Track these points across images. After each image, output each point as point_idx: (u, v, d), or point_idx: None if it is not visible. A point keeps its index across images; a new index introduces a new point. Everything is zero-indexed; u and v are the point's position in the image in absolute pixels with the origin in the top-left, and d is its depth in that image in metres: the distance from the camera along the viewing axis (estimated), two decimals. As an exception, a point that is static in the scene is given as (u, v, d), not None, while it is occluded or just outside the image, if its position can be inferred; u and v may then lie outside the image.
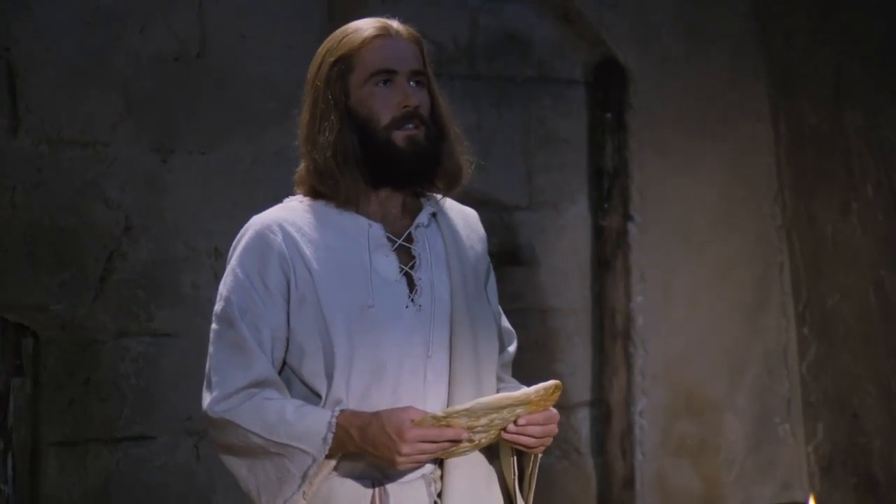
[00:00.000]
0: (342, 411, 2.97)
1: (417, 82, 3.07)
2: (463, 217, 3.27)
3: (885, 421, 5.13)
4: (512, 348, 3.30)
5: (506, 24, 5.26)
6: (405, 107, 3.04)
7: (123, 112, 4.72)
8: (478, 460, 3.08)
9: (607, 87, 5.34)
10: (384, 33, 3.07)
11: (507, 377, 3.25)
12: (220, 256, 4.63)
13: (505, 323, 3.31)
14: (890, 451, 5.13)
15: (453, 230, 3.20)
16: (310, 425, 2.98)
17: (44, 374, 4.63)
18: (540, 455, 3.12)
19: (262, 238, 3.11)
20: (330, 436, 2.96)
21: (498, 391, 3.13)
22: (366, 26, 3.10)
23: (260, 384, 3.04)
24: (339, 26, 4.33)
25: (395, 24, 3.12)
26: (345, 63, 3.07)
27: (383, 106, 3.05)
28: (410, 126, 3.05)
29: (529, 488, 3.16)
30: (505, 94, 5.23)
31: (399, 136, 3.05)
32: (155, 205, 4.75)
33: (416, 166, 3.08)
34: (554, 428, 3.01)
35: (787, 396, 5.45)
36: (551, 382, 2.96)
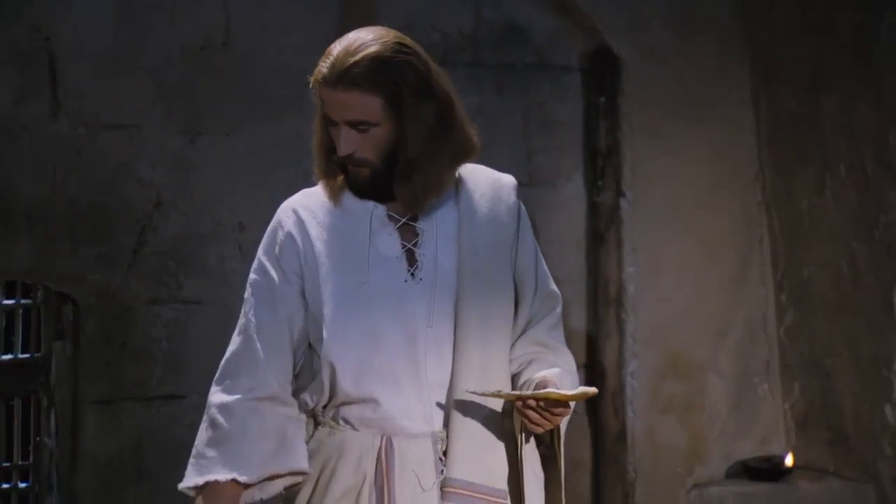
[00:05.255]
0: (213, 489, 3.05)
1: (356, 128, 3.02)
2: (494, 187, 3.23)
3: (855, 381, 5.10)
4: (558, 310, 3.23)
5: (507, 15, 5.25)
6: (339, 154, 3.05)
7: (154, 97, 4.77)
8: (485, 423, 3.08)
9: (601, 73, 5.31)
10: (327, 83, 2.99)
11: (552, 342, 3.20)
12: (244, 230, 4.72)
13: (550, 286, 3.25)
14: (859, 409, 5.10)
15: (472, 204, 3.18)
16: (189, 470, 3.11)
17: (83, 338, 4.68)
18: (564, 429, 3.10)
19: (278, 223, 3.17)
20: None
21: (531, 362, 3.14)
22: (326, 63, 3.00)
23: (250, 394, 3.10)
24: (352, 19, 4.39)
25: (348, 60, 2.99)
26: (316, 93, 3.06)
27: (335, 143, 3.06)
28: (353, 166, 3.06)
29: (559, 449, 3.12)
30: (506, 81, 5.23)
31: (350, 170, 3.08)
32: (183, 183, 4.80)
33: (368, 195, 3.10)
34: (560, 420, 3.00)
35: (766, 359, 5.44)
36: (591, 390, 2.94)
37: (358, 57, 2.97)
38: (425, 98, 3.04)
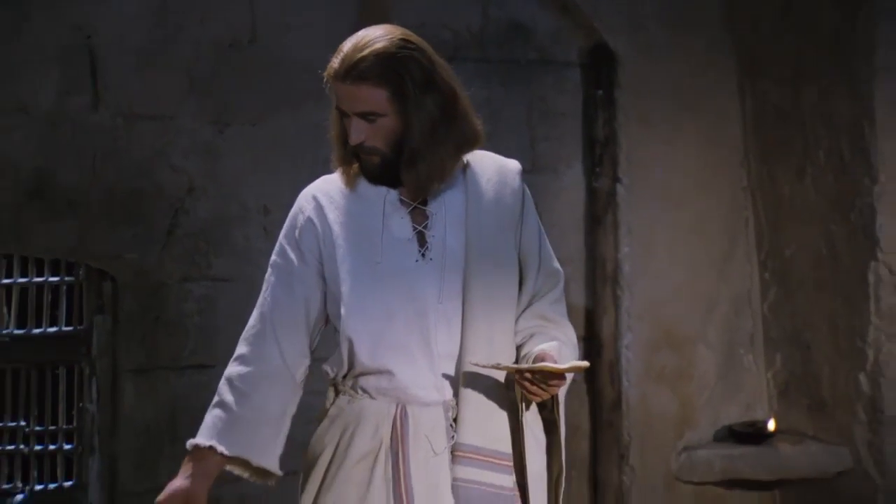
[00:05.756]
0: (197, 451, 3.07)
1: (365, 118, 3.03)
2: (500, 172, 3.23)
3: (832, 352, 5.11)
4: (560, 286, 3.24)
5: (512, 14, 5.23)
6: (351, 143, 3.06)
7: (186, 91, 4.77)
8: (491, 394, 3.09)
9: (599, 68, 5.28)
10: (338, 77, 3.00)
11: (554, 316, 3.21)
12: (268, 213, 4.73)
13: (553, 264, 3.26)
14: (836, 377, 5.11)
15: (479, 188, 3.19)
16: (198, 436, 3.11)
17: (121, 312, 4.67)
18: (563, 397, 3.12)
19: (299, 208, 3.19)
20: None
21: (533, 335, 3.16)
22: (338, 58, 3.02)
23: (254, 370, 3.12)
24: (368, 18, 4.38)
25: (356, 56, 2.99)
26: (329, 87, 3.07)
27: (348, 133, 3.08)
28: (364, 154, 3.07)
29: (559, 416, 3.14)
30: (511, 75, 5.21)
31: (362, 158, 3.09)
32: (213, 169, 4.80)
33: (380, 181, 3.11)
34: (556, 390, 3.01)
35: (750, 332, 5.44)
36: (583, 364, 2.96)
37: (365, 52, 2.98)
38: (428, 90, 3.04)
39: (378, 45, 3.00)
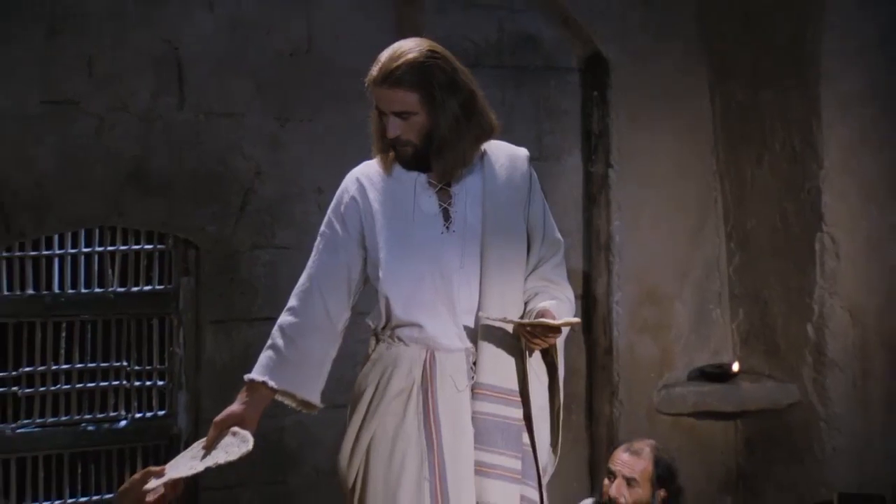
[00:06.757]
0: (251, 384, 3.08)
1: (400, 116, 3.04)
2: (511, 158, 3.21)
3: (784, 307, 5.11)
4: (561, 253, 3.24)
5: (522, 28, 5.17)
6: (388, 137, 3.08)
7: (254, 92, 4.72)
8: (503, 342, 3.10)
9: (595, 73, 5.25)
10: (376, 83, 3.03)
11: (556, 278, 3.20)
12: (321, 193, 4.66)
13: (555, 235, 3.25)
14: (788, 328, 5.10)
15: (494, 172, 3.17)
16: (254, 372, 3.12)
17: (202, 274, 4.65)
18: (561, 346, 3.14)
19: (344, 188, 3.21)
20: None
21: (537, 294, 3.15)
22: (377, 67, 3.03)
23: (301, 320, 3.13)
24: (405, 31, 4.38)
25: (392, 65, 3.00)
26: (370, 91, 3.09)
27: (385, 129, 3.09)
28: (399, 146, 3.09)
29: (557, 361, 3.15)
30: (522, 79, 5.18)
31: (397, 149, 3.11)
32: (276, 157, 4.76)
33: (412, 167, 3.12)
34: (554, 341, 3.05)
35: (718, 291, 5.42)
36: (575, 320, 3.01)
37: (400, 62, 3.01)
38: (452, 92, 3.05)
39: (410, 56, 3.02)
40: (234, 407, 3.07)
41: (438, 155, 3.08)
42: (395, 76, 3.01)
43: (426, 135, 3.07)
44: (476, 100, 3.11)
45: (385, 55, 3.05)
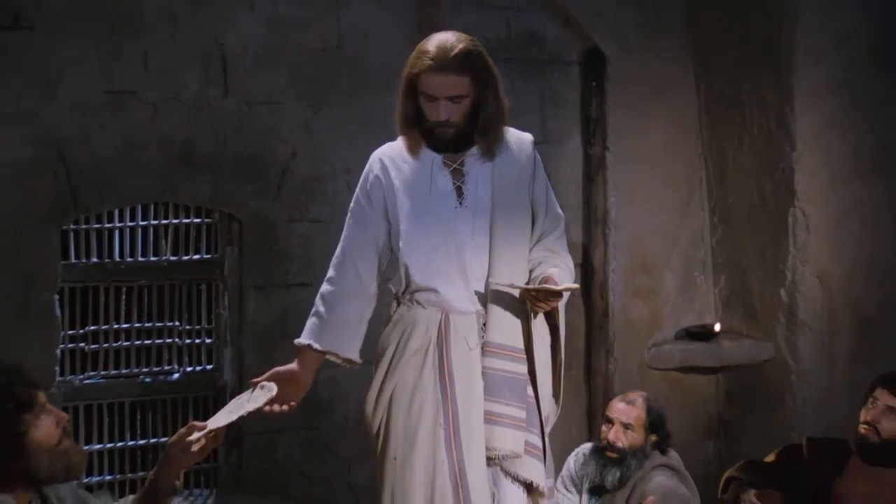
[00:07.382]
0: (300, 347, 3.13)
1: (452, 100, 3.04)
2: (518, 142, 3.20)
3: (761, 275, 5.08)
4: (562, 227, 3.24)
5: (529, 26, 5.14)
6: (436, 120, 3.07)
7: (290, 83, 4.68)
8: (510, 305, 3.11)
9: (593, 65, 5.21)
10: (433, 70, 3.00)
11: (557, 248, 3.19)
12: (350, 173, 4.60)
13: (557, 210, 3.24)
14: (764, 292, 5.07)
15: (503, 154, 3.16)
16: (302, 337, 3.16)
17: (245, 245, 4.64)
18: (562, 309, 3.12)
19: (369, 167, 3.22)
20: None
21: (541, 263, 3.14)
22: (429, 57, 3.00)
23: (338, 287, 3.15)
24: (423, 30, 4.36)
25: (449, 53, 2.98)
26: (415, 78, 3.05)
27: (429, 113, 3.08)
28: (441, 128, 3.08)
29: (559, 322, 3.15)
30: (528, 71, 5.14)
31: (437, 131, 3.09)
32: (310, 141, 4.73)
33: (445, 148, 3.12)
34: (556, 304, 3.06)
35: (703, 259, 5.38)
36: (574, 286, 3.02)
37: (455, 51, 3.01)
38: (491, 78, 3.08)
39: (462, 46, 3.03)
40: (287, 366, 3.13)
41: (484, 133, 3.09)
42: (451, 64, 2.99)
43: (471, 116, 3.07)
44: (501, 87, 3.14)
45: (433, 48, 3.03)
